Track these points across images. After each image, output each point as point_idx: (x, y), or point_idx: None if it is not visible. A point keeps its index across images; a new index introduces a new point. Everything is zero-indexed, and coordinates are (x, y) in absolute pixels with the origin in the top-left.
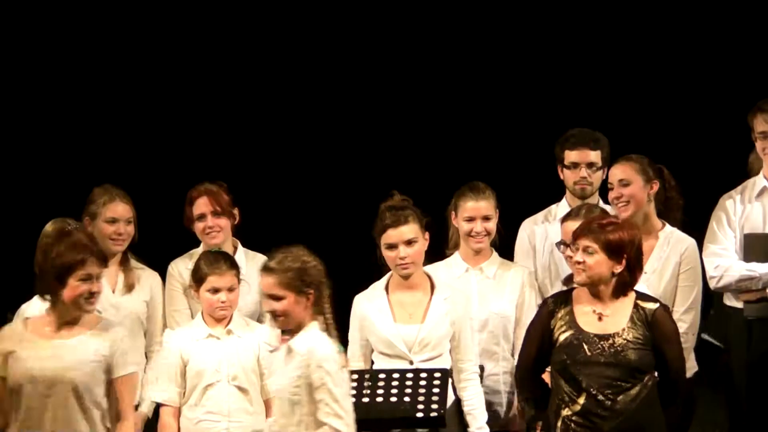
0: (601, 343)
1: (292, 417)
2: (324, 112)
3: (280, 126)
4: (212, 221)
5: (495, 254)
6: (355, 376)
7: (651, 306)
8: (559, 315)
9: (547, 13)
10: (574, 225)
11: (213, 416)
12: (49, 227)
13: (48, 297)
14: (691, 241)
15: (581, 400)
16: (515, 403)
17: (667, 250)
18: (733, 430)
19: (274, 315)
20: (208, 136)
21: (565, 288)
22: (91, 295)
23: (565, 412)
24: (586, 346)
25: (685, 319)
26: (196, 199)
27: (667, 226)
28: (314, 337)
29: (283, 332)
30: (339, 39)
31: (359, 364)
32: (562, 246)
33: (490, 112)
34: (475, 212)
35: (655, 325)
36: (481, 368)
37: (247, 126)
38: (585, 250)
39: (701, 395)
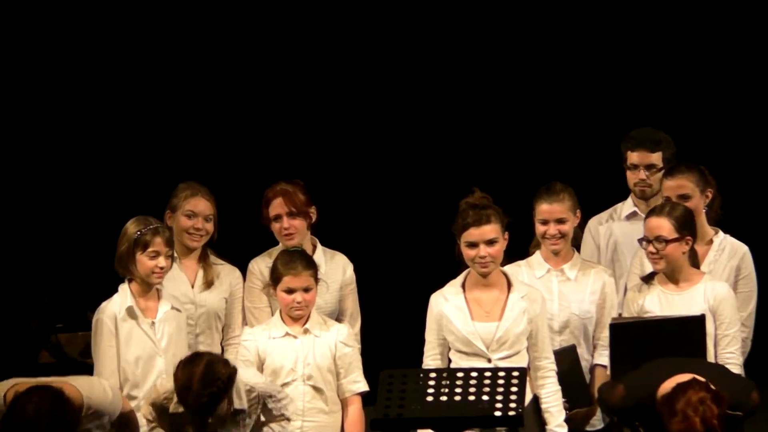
0: None
1: None
2: (404, 108)
3: (360, 123)
4: (287, 222)
5: (577, 255)
6: (434, 375)
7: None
8: None
9: (620, 18)
10: (658, 222)
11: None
12: (130, 225)
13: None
14: (745, 248)
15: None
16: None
17: (720, 256)
18: None
19: None
20: (290, 136)
21: (644, 291)
22: None
23: None
24: None
25: (750, 321)
26: (272, 199)
27: (720, 232)
28: None
29: None
30: (414, 41)
31: (437, 363)
32: (645, 242)
33: (573, 109)
34: (549, 215)
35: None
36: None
37: (328, 124)
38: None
39: None
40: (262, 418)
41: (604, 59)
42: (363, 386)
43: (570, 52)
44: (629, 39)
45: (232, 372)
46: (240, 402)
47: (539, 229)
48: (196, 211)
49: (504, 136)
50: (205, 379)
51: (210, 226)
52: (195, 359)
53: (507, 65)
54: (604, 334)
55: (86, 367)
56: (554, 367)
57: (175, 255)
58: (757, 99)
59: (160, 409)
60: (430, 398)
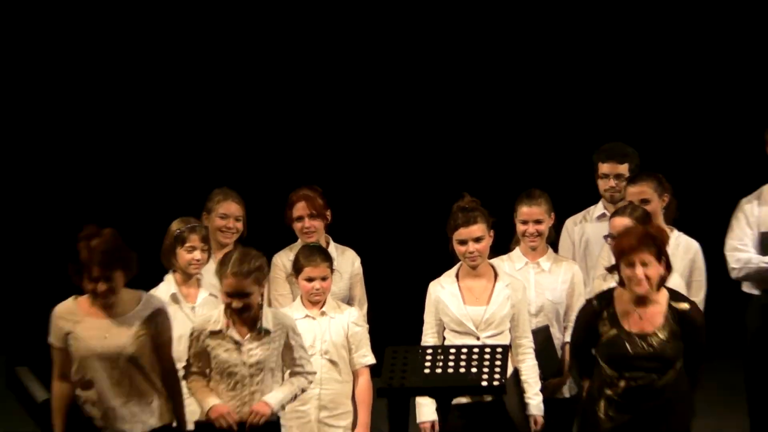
0: (641, 342)
1: None
2: (406, 128)
3: (367, 140)
4: (308, 222)
5: (550, 251)
6: (430, 351)
7: (683, 306)
8: (604, 315)
9: (591, 50)
10: (621, 221)
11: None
12: (173, 224)
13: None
14: (697, 245)
15: (622, 384)
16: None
17: (677, 251)
18: (750, 394)
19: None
20: (307, 149)
21: (607, 275)
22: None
23: (608, 392)
24: (628, 345)
25: (699, 308)
26: (296, 202)
27: (675, 230)
28: None
29: None
30: (414, 61)
31: (434, 341)
32: (609, 239)
33: (551, 126)
34: (528, 216)
35: (686, 321)
36: (547, 328)
37: (341, 141)
38: (643, 264)
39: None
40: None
41: (577, 84)
42: (371, 359)
43: (545, 78)
44: (599, 67)
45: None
46: (267, 322)
47: (520, 228)
48: (227, 213)
49: (491, 149)
50: (243, 253)
51: (240, 225)
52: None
53: (495, 92)
54: (573, 317)
55: None
56: (532, 345)
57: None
58: (707, 120)
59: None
60: (427, 370)
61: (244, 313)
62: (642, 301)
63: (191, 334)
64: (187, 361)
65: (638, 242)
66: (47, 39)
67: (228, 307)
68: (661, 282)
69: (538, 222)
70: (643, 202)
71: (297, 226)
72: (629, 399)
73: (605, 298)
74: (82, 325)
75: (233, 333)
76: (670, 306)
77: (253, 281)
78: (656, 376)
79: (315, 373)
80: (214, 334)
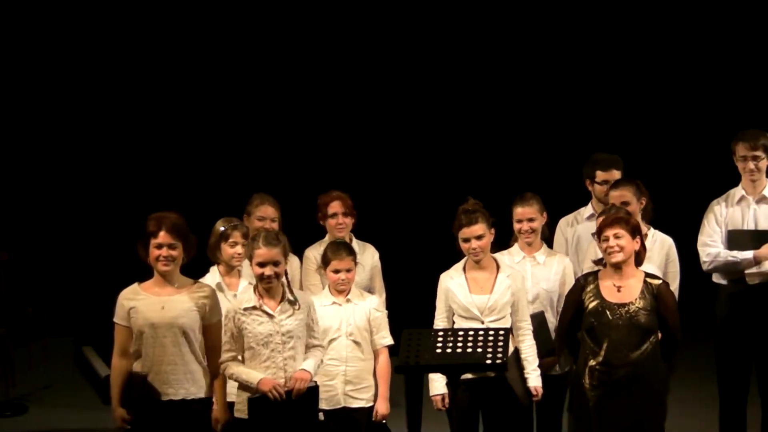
0: (620, 309)
1: None
2: (420, 140)
3: (388, 150)
4: (341, 220)
5: (545, 246)
6: (441, 333)
7: (656, 282)
8: (588, 288)
9: (580, 66)
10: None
11: (334, 362)
12: (218, 223)
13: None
14: (671, 240)
15: (602, 353)
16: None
17: (654, 246)
18: (720, 374)
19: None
20: (332, 158)
21: (595, 267)
22: (165, 260)
23: (591, 362)
24: (608, 312)
25: (674, 294)
26: (330, 202)
27: (651, 228)
28: None
29: None
30: (427, 81)
31: (444, 324)
32: (596, 236)
33: (546, 140)
34: (522, 216)
35: (659, 296)
36: (542, 313)
37: (365, 149)
38: (616, 236)
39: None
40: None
41: (568, 101)
42: (389, 340)
43: (543, 97)
44: (587, 86)
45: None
46: (292, 294)
47: (516, 226)
48: (264, 216)
49: (493, 157)
50: (269, 231)
51: (275, 225)
52: None
53: (498, 108)
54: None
55: None
56: (530, 327)
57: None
58: (682, 132)
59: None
60: (438, 350)
61: (274, 282)
62: (621, 276)
63: (225, 316)
64: (225, 343)
65: (612, 220)
66: (95, 43)
67: (260, 278)
68: (638, 259)
69: (531, 220)
70: (624, 204)
71: (331, 222)
72: (607, 368)
73: (591, 275)
74: (143, 301)
75: (265, 307)
76: (645, 281)
77: (281, 251)
78: (633, 345)
79: (325, 346)
80: (247, 310)
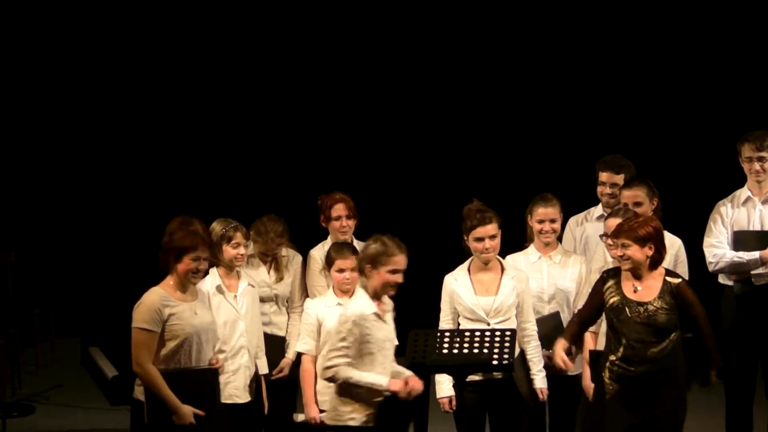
0: (639, 308)
1: None
2: (424, 141)
3: (392, 151)
4: (345, 222)
5: (560, 246)
6: (448, 334)
7: (676, 280)
8: (610, 283)
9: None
10: (614, 221)
11: None
12: (216, 225)
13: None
14: (680, 241)
15: (621, 349)
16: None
17: None
18: (727, 371)
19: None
20: (333, 159)
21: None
22: (197, 272)
23: (612, 357)
24: (627, 309)
25: None
26: (334, 204)
27: None
28: None
29: None
30: (431, 82)
31: (450, 326)
32: (605, 237)
33: (554, 139)
34: (545, 216)
35: (679, 294)
36: (558, 313)
37: (368, 150)
38: (623, 246)
39: None
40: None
41: (578, 100)
42: (394, 341)
43: (552, 96)
44: (598, 87)
45: None
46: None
47: (536, 226)
48: (267, 252)
49: (498, 158)
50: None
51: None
52: None
53: (503, 109)
54: (581, 303)
55: None
56: (535, 328)
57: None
58: (690, 135)
59: None
60: (445, 351)
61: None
62: (639, 276)
63: (348, 321)
64: (342, 348)
65: (615, 231)
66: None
67: (392, 286)
68: (653, 262)
69: (553, 221)
70: (636, 204)
71: (335, 224)
72: (626, 364)
73: (614, 270)
74: (179, 307)
75: (380, 313)
76: (665, 281)
77: None
78: (651, 343)
79: None
80: (374, 316)
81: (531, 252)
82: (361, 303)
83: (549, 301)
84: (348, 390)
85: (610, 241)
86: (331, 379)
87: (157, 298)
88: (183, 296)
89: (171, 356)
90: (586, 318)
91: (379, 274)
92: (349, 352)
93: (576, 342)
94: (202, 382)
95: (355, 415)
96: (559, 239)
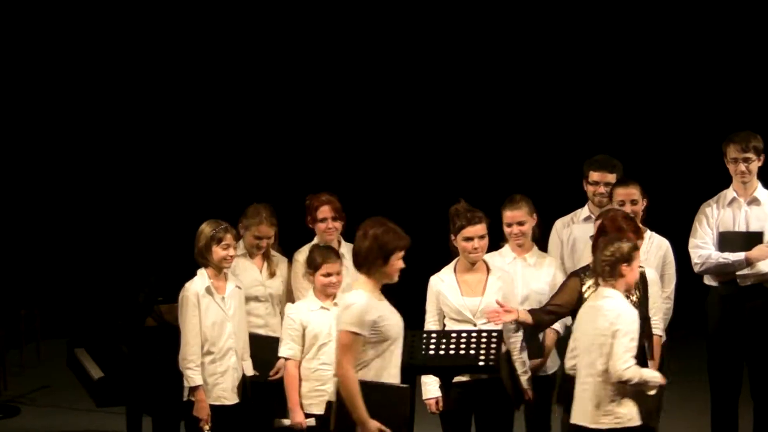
0: None
1: None
2: (409, 141)
3: (378, 152)
4: (331, 224)
5: (535, 247)
6: (434, 335)
7: (640, 269)
8: (589, 283)
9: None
10: None
11: (325, 366)
12: (206, 227)
13: None
14: (668, 242)
15: None
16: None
17: (651, 247)
18: (711, 371)
19: None
20: (319, 160)
21: None
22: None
23: None
24: None
25: (671, 297)
26: (320, 206)
27: (648, 230)
28: None
29: None
30: (414, 83)
31: (435, 327)
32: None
33: (538, 141)
34: (511, 219)
35: (644, 281)
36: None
37: (354, 151)
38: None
39: None
40: None
41: (561, 103)
42: None
43: (532, 93)
44: (580, 90)
45: None
46: None
47: (506, 230)
48: (261, 235)
49: (483, 159)
50: None
51: (270, 242)
52: None
53: (487, 110)
54: None
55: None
56: (521, 328)
57: (246, 251)
58: (674, 136)
59: None
60: (431, 352)
61: None
62: None
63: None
64: (632, 348)
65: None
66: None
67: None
68: None
69: (520, 224)
70: (632, 202)
71: (321, 226)
72: None
73: (588, 269)
74: (383, 310)
75: None
76: None
77: None
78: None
79: None
80: None
81: (506, 253)
82: None
83: (522, 303)
84: (624, 390)
85: None
86: (625, 382)
87: (370, 303)
88: (380, 297)
89: (369, 361)
90: (558, 313)
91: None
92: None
93: (542, 327)
94: (396, 399)
95: (634, 415)
96: (539, 241)
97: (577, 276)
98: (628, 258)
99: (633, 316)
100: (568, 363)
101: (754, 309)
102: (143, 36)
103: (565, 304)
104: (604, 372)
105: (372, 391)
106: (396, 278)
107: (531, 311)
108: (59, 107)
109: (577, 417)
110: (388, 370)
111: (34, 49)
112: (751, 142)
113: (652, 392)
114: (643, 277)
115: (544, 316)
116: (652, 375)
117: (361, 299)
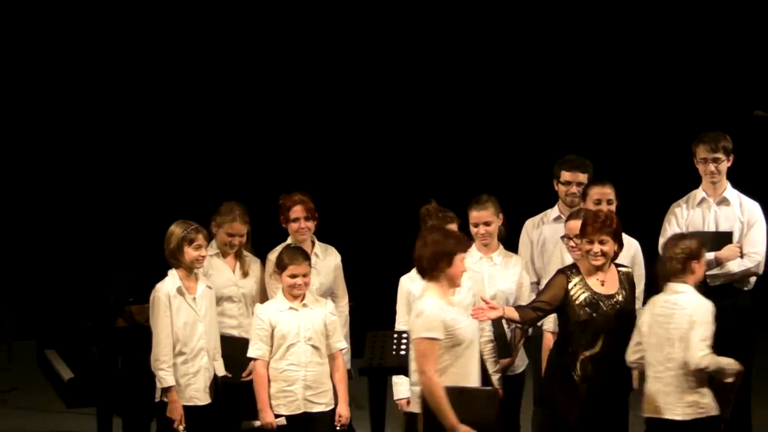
0: (610, 301)
1: None
2: (380, 144)
3: (351, 154)
4: (304, 224)
5: (501, 247)
6: (405, 335)
7: (626, 269)
8: (576, 281)
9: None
10: (576, 223)
11: (294, 367)
12: (176, 228)
13: None
14: (637, 242)
15: (600, 344)
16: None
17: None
18: None
19: None
20: (293, 161)
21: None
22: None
23: (585, 353)
24: (601, 303)
25: (641, 297)
26: (293, 206)
27: None
28: None
29: None
30: (384, 85)
31: (406, 327)
32: (565, 239)
33: (507, 142)
34: (478, 219)
35: (631, 281)
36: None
37: (328, 153)
38: (601, 242)
39: None
40: None
41: (530, 105)
42: (344, 344)
43: (502, 93)
44: (550, 83)
45: None
46: None
47: (472, 230)
48: (233, 233)
49: (454, 161)
50: None
51: (243, 240)
52: None
53: (456, 112)
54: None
55: (151, 331)
56: (491, 328)
57: (219, 250)
58: (643, 135)
59: None
60: (402, 352)
61: None
62: (600, 268)
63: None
64: (710, 337)
65: (601, 226)
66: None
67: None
68: (616, 256)
69: (487, 224)
70: (608, 202)
71: (293, 226)
72: (604, 359)
73: (573, 268)
74: (453, 313)
75: None
76: (618, 272)
77: None
78: (627, 333)
79: None
80: None
81: (472, 252)
82: None
83: None
84: (704, 380)
85: (572, 243)
86: (703, 369)
87: (438, 306)
88: (450, 302)
89: (447, 367)
90: (545, 309)
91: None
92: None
93: (528, 323)
94: (484, 402)
95: (714, 405)
96: (505, 240)
97: (563, 273)
98: (698, 255)
99: (708, 306)
100: (632, 356)
101: (724, 309)
102: (107, 35)
103: (551, 300)
104: (685, 364)
105: (459, 395)
106: (460, 282)
107: (517, 308)
108: (22, 110)
109: (651, 410)
110: (468, 375)
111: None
112: (721, 143)
113: (730, 379)
114: (629, 277)
115: (530, 312)
116: (728, 362)
117: (431, 305)
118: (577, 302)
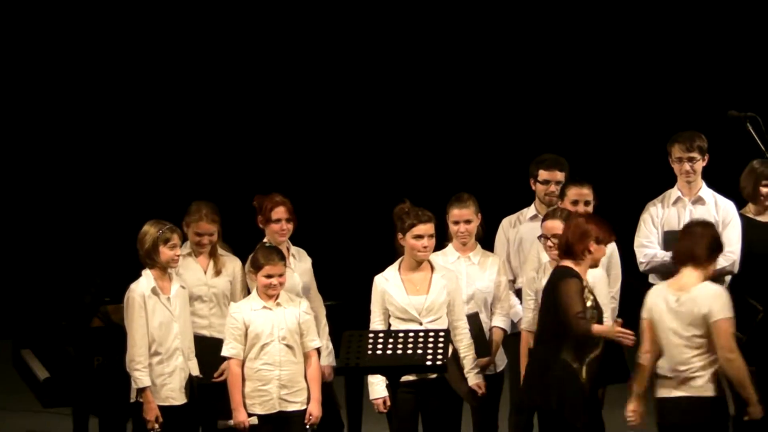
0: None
1: None
2: (353, 147)
3: (324, 158)
4: (284, 225)
5: (479, 246)
6: (381, 335)
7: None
8: (583, 284)
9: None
10: (553, 223)
11: (268, 366)
12: (150, 228)
13: None
14: (613, 243)
15: (601, 345)
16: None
17: None
18: None
19: None
20: (267, 171)
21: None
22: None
23: (591, 355)
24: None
25: (616, 296)
26: (275, 207)
27: None
28: None
29: None
30: (360, 87)
31: (381, 326)
32: (542, 238)
33: (483, 142)
34: (459, 217)
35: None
36: (477, 314)
37: (297, 160)
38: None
39: None
40: None
41: (504, 100)
42: (318, 343)
43: (477, 93)
44: (527, 81)
45: None
46: None
47: (452, 228)
48: (201, 232)
49: (427, 161)
50: None
51: (213, 238)
52: None
53: (430, 106)
54: (499, 304)
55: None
56: (467, 327)
57: (192, 250)
58: (618, 135)
59: None
60: (379, 352)
61: None
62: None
63: None
64: None
65: (599, 230)
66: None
67: None
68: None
69: (468, 222)
70: (586, 203)
71: (274, 227)
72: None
73: (575, 273)
74: None
75: None
76: None
77: None
78: None
79: None
80: None
81: (449, 252)
82: None
83: (468, 302)
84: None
85: (550, 243)
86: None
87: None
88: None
89: None
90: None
91: None
92: None
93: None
94: None
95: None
96: (482, 240)
97: (572, 280)
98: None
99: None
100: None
101: None
102: (86, 36)
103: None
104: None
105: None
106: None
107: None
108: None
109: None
110: None
111: None
112: (696, 142)
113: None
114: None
115: (586, 328)
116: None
117: (713, 285)
118: (588, 306)
